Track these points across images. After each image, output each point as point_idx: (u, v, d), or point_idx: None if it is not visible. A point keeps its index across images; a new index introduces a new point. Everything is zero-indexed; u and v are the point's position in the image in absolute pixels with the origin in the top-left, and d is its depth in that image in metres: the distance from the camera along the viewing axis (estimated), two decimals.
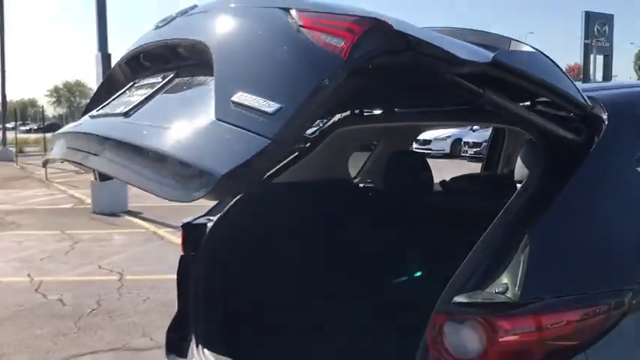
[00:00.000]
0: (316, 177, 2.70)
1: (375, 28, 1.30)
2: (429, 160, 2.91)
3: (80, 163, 1.72)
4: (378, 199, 2.91)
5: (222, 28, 1.56)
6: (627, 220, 1.52)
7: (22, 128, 60.69)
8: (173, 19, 1.80)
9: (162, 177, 1.32)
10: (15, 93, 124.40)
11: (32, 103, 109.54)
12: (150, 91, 1.71)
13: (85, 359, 4.21)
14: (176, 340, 2.39)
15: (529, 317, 1.28)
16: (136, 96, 1.75)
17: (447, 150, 21.66)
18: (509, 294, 1.29)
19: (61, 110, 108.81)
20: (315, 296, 2.54)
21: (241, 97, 1.30)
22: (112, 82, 2.06)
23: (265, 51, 1.41)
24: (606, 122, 1.58)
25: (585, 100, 1.56)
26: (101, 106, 1.92)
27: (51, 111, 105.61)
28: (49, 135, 24.51)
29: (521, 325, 1.28)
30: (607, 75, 37.51)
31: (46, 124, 53.10)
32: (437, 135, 21.71)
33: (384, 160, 2.86)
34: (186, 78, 1.66)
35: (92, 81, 11.62)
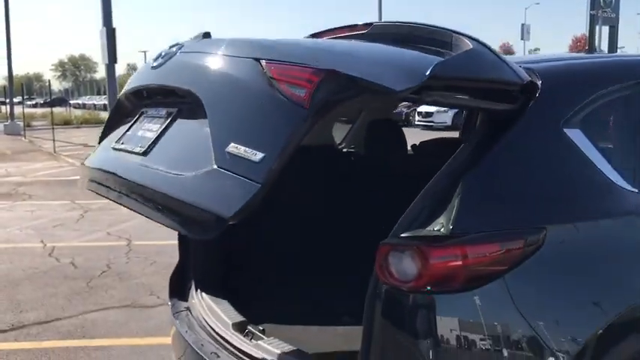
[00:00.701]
0: (304, 142, 2.97)
1: (328, 77, 1.61)
2: (432, 132, 3.18)
3: (115, 200, 2.09)
4: (359, 162, 3.21)
5: (208, 77, 1.90)
6: (547, 172, 1.78)
7: (28, 103, 60.98)
8: (168, 58, 2.12)
9: (186, 219, 1.73)
10: (20, 68, 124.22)
11: (37, 78, 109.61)
12: (158, 127, 2.06)
13: (97, 315, 4.54)
14: (178, 285, 2.70)
15: (456, 247, 1.57)
16: (148, 132, 2.10)
17: (449, 122, 21.80)
18: (442, 230, 1.58)
19: (66, 84, 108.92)
20: (307, 244, 2.83)
21: (233, 148, 1.65)
22: (122, 108, 2.45)
23: (246, 103, 1.73)
24: (539, 90, 1.85)
25: (520, 78, 1.80)
26: (120, 137, 2.27)
27: (57, 85, 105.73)
28: (55, 109, 24.60)
29: (448, 254, 1.57)
30: (612, 46, 37.00)
31: (53, 97, 53.15)
32: (439, 107, 21.86)
33: (365, 128, 3.14)
34: (186, 118, 1.99)
35: (97, 55, 11.92)
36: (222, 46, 1.94)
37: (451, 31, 1.88)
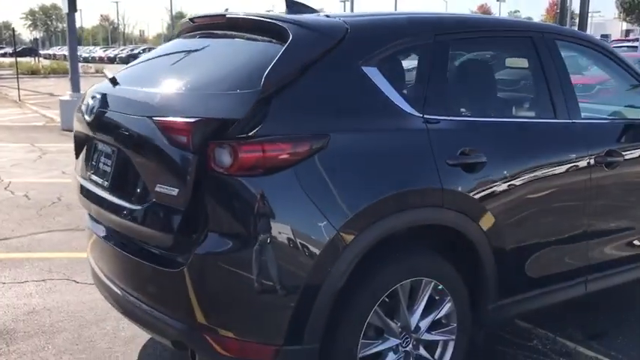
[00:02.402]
0: None
1: (195, 125, 2.23)
2: None
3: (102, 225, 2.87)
4: None
5: (126, 134, 2.57)
6: (340, 96, 2.40)
7: None
8: (95, 112, 2.77)
9: (151, 241, 2.49)
10: None
11: (6, 27, 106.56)
12: (110, 163, 2.72)
13: (43, 235, 5.18)
14: None
15: (258, 145, 2.18)
16: (106, 166, 2.77)
17: None
18: (251, 133, 2.19)
19: (37, 34, 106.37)
20: None
21: (159, 187, 2.36)
22: (78, 139, 3.11)
23: (156, 152, 2.38)
24: (346, 37, 2.48)
25: (334, 38, 2.44)
26: (90, 166, 2.94)
27: (27, 35, 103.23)
28: (24, 59, 24.49)
29: (252, 149, 2.18)
30: (583, 11, 37.05)
31: (22, 47, 52.04)
32: None
33: None
34: (125, 158, 2.59)
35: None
36: (126, 105, 2.61)
37: (278, 19, 2.51)
